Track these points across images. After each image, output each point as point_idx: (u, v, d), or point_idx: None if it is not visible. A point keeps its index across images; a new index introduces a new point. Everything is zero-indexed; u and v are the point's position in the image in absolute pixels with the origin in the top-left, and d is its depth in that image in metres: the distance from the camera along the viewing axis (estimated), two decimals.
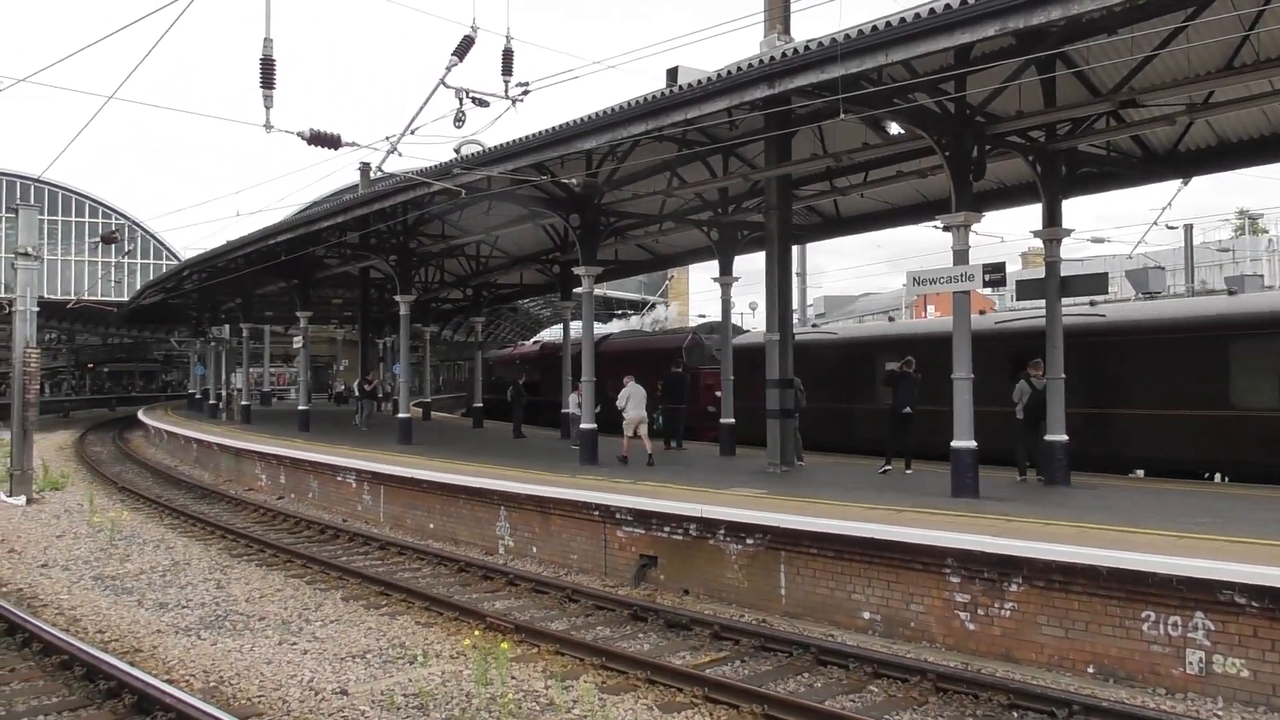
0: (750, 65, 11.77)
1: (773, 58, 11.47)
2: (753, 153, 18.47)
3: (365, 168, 17.80)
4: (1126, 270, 27.99)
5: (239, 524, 18.94)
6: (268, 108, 12.23)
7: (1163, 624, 8.49)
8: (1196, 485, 14.83)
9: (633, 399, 18.82)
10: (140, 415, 46.38)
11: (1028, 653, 9.32)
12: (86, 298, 50.88)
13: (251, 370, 43.12)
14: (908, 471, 16.45)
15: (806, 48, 10.96)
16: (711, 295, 52.78)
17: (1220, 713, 7.92)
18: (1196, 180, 18.17)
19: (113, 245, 50.92)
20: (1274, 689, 7.90)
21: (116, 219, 62.52)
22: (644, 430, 18.73)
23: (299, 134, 13.22)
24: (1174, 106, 13.38)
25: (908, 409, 16.33)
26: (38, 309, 21.97)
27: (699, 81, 12.51)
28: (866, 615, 10.61)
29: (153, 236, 64.76)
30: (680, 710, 8.28)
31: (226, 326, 42.88)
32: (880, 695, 8.71)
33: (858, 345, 24.37)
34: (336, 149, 13.40)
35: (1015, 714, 8.06)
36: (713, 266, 22.73)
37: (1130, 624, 8.67)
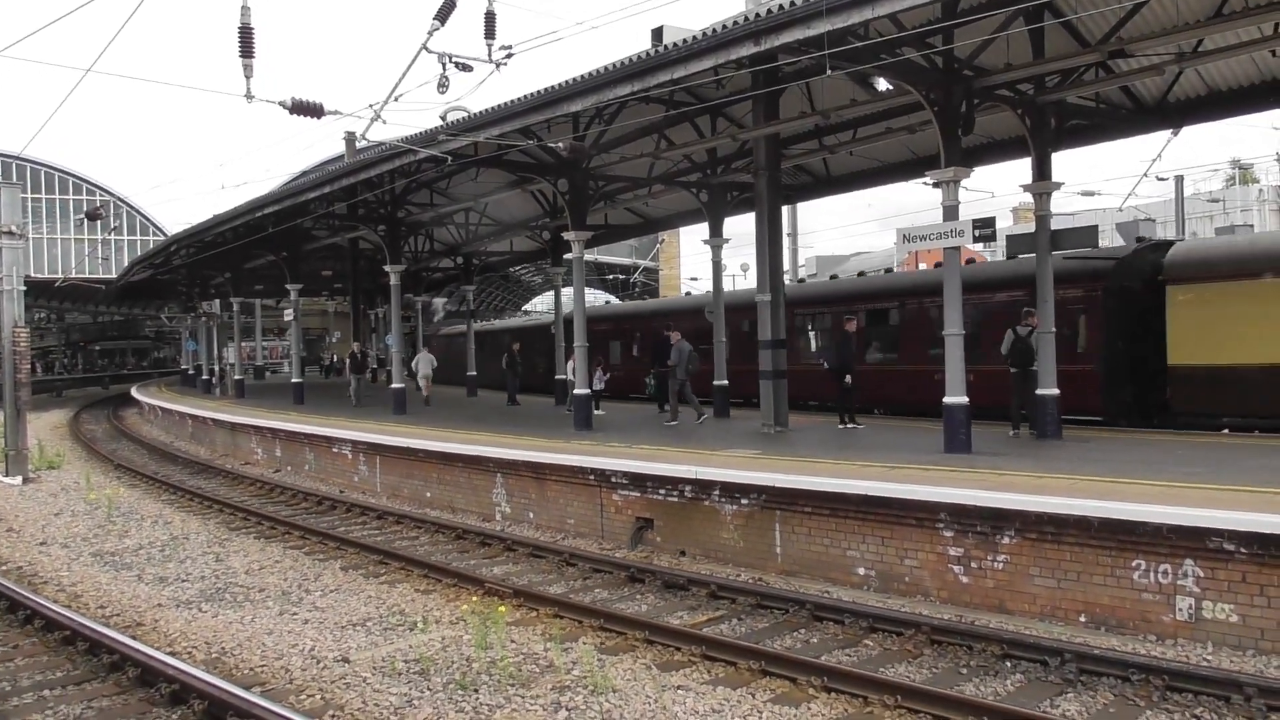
0: (736, 23, 11.65)
1: (758, 14, 11.35)
2: (741, 112, 18.35)
3: (350, 137, 17.58)
4: (1117, 223, 27.93)
5: (236, 497, 18.99)
6: (248, 77, 12.12)
7: (1153, 572, 8.58)
8: (1189, 436, 14.92)
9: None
10: (134, 392, 46.32)
11: (1020, 604, 9.43)
12: (74, 276, 50.61)
13: (244, 344, 42.99)
14: (852, 426, 17.06)
15: (792, 3, 10.84)
16: (703, 258, 52.70)
17: (1210, 657, 8.03)
18: (1186, 131, 18.04)
19: (98, 221, 50.59)
20: (1262, 633, 8.02)
21: (101, 195, 62.09)
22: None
23: (281, 103, 13.11)
24: (1163, 56, 13.32)
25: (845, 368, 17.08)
26: (25, 288, 21.82)
27: (684, 41, 12.40)
28: (861, 571, 10.70)
29: (138, 212, 64.37)
30: (679, 669, 8.37)
31: (217, 301, 42.66)
32: (876, 649, 8.82)
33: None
34: (319, 118, 13.29)
35: (1008, 664, 8.17)
36: (703, 229, 22.69)
37: (1121, 573, 8.77)
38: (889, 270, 28.98)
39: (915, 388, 19.69)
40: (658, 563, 12.23)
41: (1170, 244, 18.12)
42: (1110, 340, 17.55)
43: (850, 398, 17.36)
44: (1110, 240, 28.54)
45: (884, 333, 22.16)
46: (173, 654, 8.76)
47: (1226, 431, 15.48)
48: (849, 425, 17.03)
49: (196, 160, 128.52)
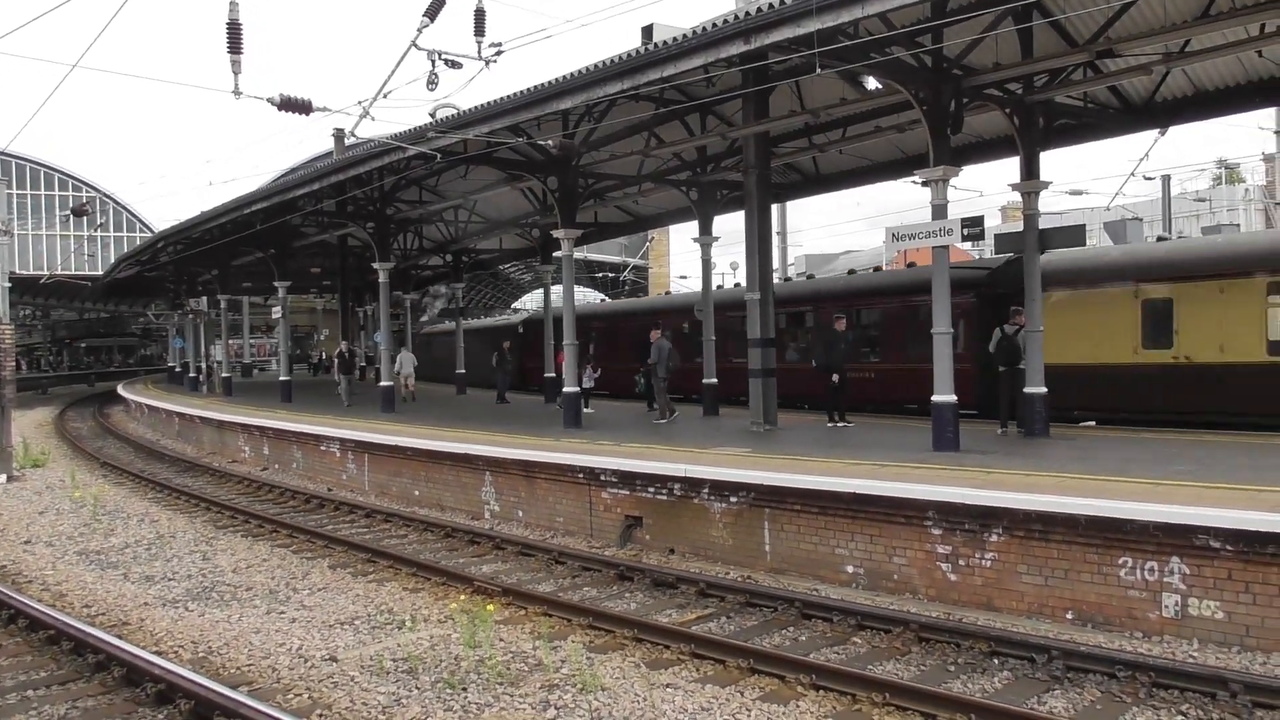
0: (726, 21, 11.66)
1: (748, 13, 11.36)
2: (730, 111, 18.36)
3: (339, 134, 17.56)
4: (1104, 222, 28.06)
5: (224, 496, 18.90)
6: (236, 74, 12.08)
7: (1140, 569, 8.62)
8: (1178, 434, 15.00)
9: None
10: (120, 390, 46.04)
11: (1008, 601, 9.46)
12: (60, 272, 50.31)
13: (231, 342, 42.82)
14: (843, 425, 17.11)
15: (782, 2, 10.85)
16: (692, 256, 52.70)
17: (1195, 654, 8.07)
18: (1174, 130, 18.21)
19: (84, 218, 50.27)
20: (1247, 630, 8.06)
21: (87, 191, 61.65)
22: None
23: (269, 100, 13.05)
24: (1150, 56, 13.37)
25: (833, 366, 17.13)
26: (9, 285, 21.69)
27: (674, 39, 12.39)
28: (850, 569, 10.72)
29: (125, 208, 63.97)
30: (668, 667, 8.37)
31: (204, 298, 42.47)
32: (864, 646, 8.83)
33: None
34: (308, 114, 13.23)
35: (996, 661, 8.20)
36: (693, 227, 22.70)
37: (1108, 570, 8.80)
38: (852, 271, 29.49)
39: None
40: (647, 561, 12.23)
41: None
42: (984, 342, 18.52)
43: (840, 396, 17.38)
44: (1099, 239, 28.66)
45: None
46: (159, 653, 8.71)
47: (1093, 424, 16.85)
48: (838, 424, 17.05)
49: (184, 157, 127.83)
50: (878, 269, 30.49)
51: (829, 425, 17.08)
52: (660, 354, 19.20)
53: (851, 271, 29.35)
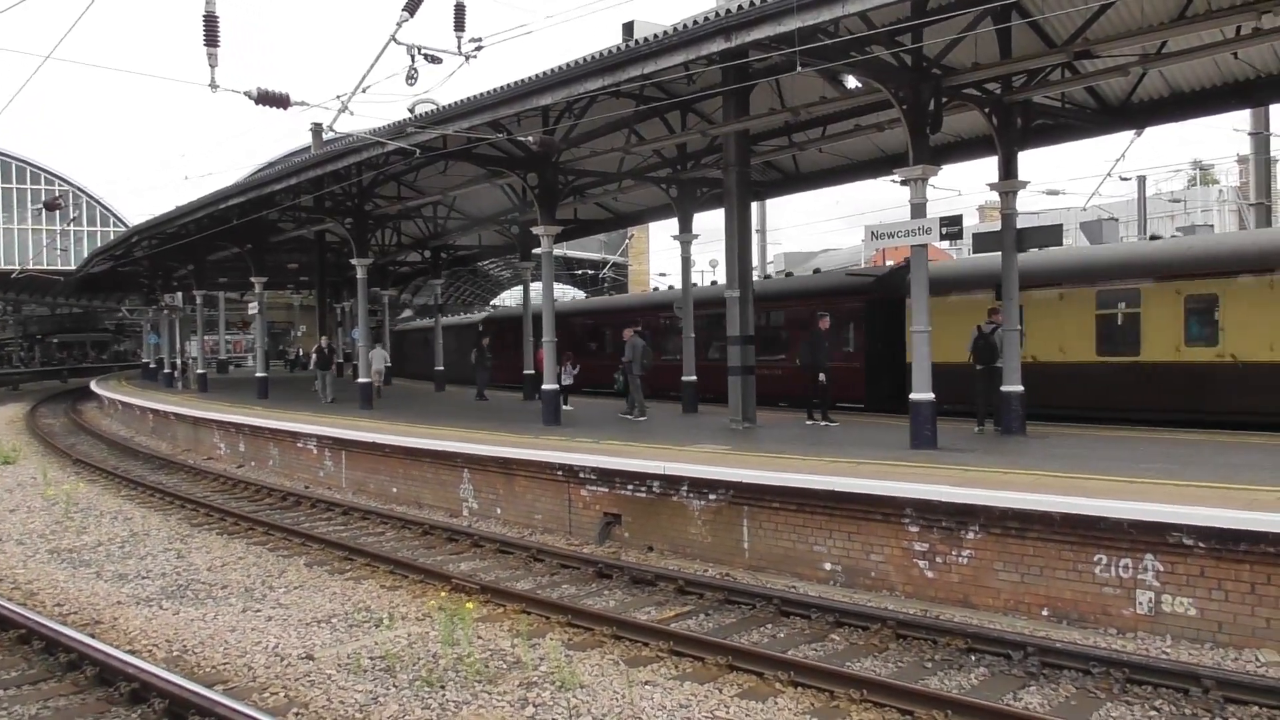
0: (707, 19, 11.66)
1: (729, 10, 11.36)
2: (711, 108, 18.35)
3: (317, 128, 17.42)
4: (1081, 222, 28.29)
5: (199, 493, 18.74)
6: (212, 66, 11.97)
7: (1114, 566, 8.70)
8: (1153, 432, 15.15)
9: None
10: (93, 386, 45.59)
11: (985, 598, 9.52)
12: (32, 267, 49.72)
13: (207, 338, 42.43)
14: (825, 424, 17.06)
15: (764, 0, 10.86)
16: (672, 253, 52.73)
17: (1169, 650, 8.15)
18: (1150, 131, 18.43)
19: (57, 212, 49.70)
20: (1220, 626, 8.15)
21: (60, 185, 61.02)
22: None
23: (246, 94, 12.94)
24: (1127, 57, 13.48)
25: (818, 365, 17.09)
26: None
27: (655, 36, 12.38)
28: (828, 566, 10.76)
29: (98, 202, 63.36)
30: (647, 664, 8.37)
31: (179, 294, 42.08)
32: (842, 643, 8.87)
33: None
34: (286, 108, 13.13)
35: (973, 658, 8.25)
36: (672, 224, 22.70)
37: (1083, 567, 8.88)
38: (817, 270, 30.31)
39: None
40: (626, 558, 12.23)
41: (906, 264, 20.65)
42: (871, 343, 21.48)
43: (824, 395, 17.35)
44: (1075, 239, 28.88)
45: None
46: (132, 652, 8.62)
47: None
48: (821, 423, 17.02)
49: (159, 151, 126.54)
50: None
51: (808, 423, 17.13)
52: (635, 351, 19.29)
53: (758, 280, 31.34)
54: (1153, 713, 7.06)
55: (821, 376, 17.02)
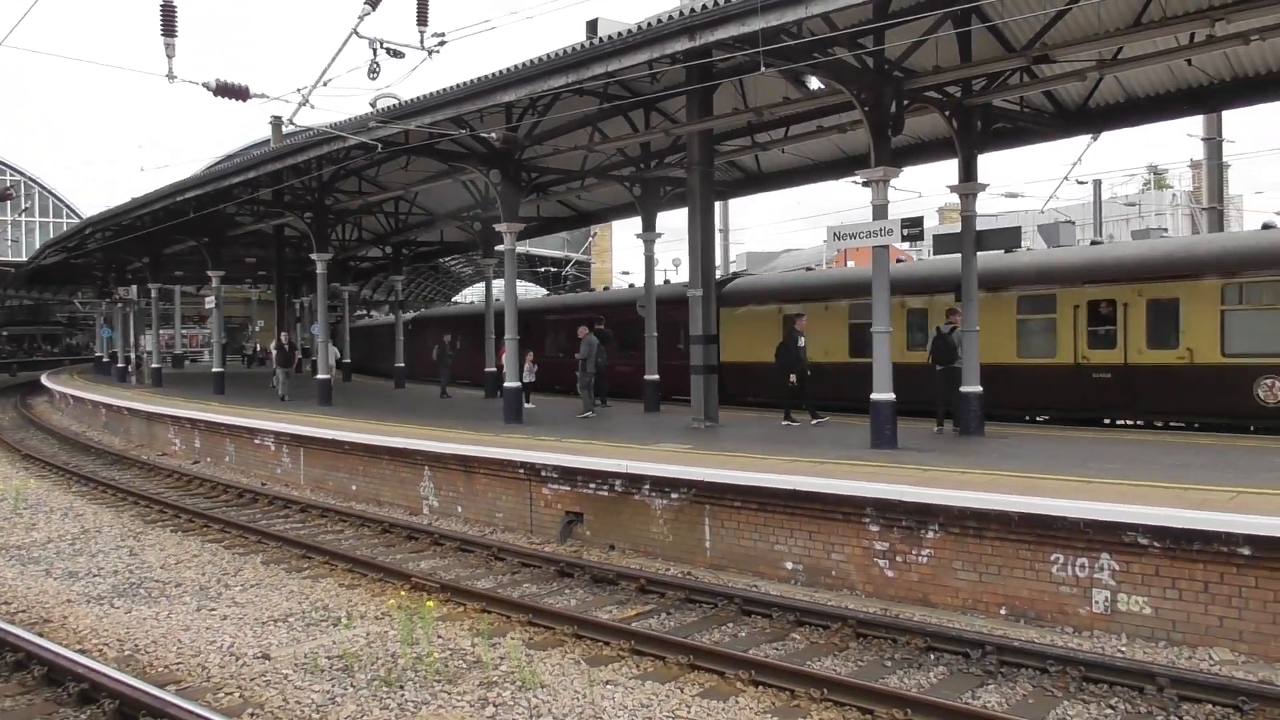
0: (671, 18, 11.64)
1: (693, 10, 11.36)
2: (674, 108, 18.35)
3: (277, 121, 17.14)
4: (1038, 224, 28.70)
5: (152, 489, 18.42)
6: (170, 56, 11.76)
7: (1070, 566, 8.81)
8: (1106, 432, 15.40)
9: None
10: (44, 380, 44.70)
11: (944, 597, 9.61)
12: None
13: (162, 332, 41.70)
14: (788, 423, 17.05)
15: (728, 0, 10.87)
16: (635, 251, 52.79)
17: (1124, 649, 8.27)
18: (1106, 136, 18.75)
19: (7, 202, 48.63)
20: (1174, 625, 8.28)
21: (11, 175, 59.72)
22: None
23: (205, 85, 12.75)
24: (1084, 63, 13.67)
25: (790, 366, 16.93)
26: None
27: (619, 34, 12.34)
28: (789, 565, 10.80)
29: (51, 193, 62.17)
30: (608, 663, 8.35)
31: (134, 287, 41.27)
32: (803, 642, 8.90)
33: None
34: (245, 100, 12.95)
35: (932, 656, 8.32)
36: (636, 223, 22.67)
37: (1040, 567, 8.98)
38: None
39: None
40: (587, 557, 12.19)
41: (734, 277, 25.88)
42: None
43: (800, 394, 17.11)
44: (1033, 241, 29.28)
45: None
46: (82, 651, 8.45)
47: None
48: (798, 422, 16.83)
49: (115, 142, 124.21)
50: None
51: (783, 424, 16.96)
52: (590, 349, 19.39)
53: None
54: (1109, 711, 7.16)
55: (793, 377, 16.76)
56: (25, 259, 48.71)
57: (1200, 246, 17.07)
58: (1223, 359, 15.35)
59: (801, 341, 16.94)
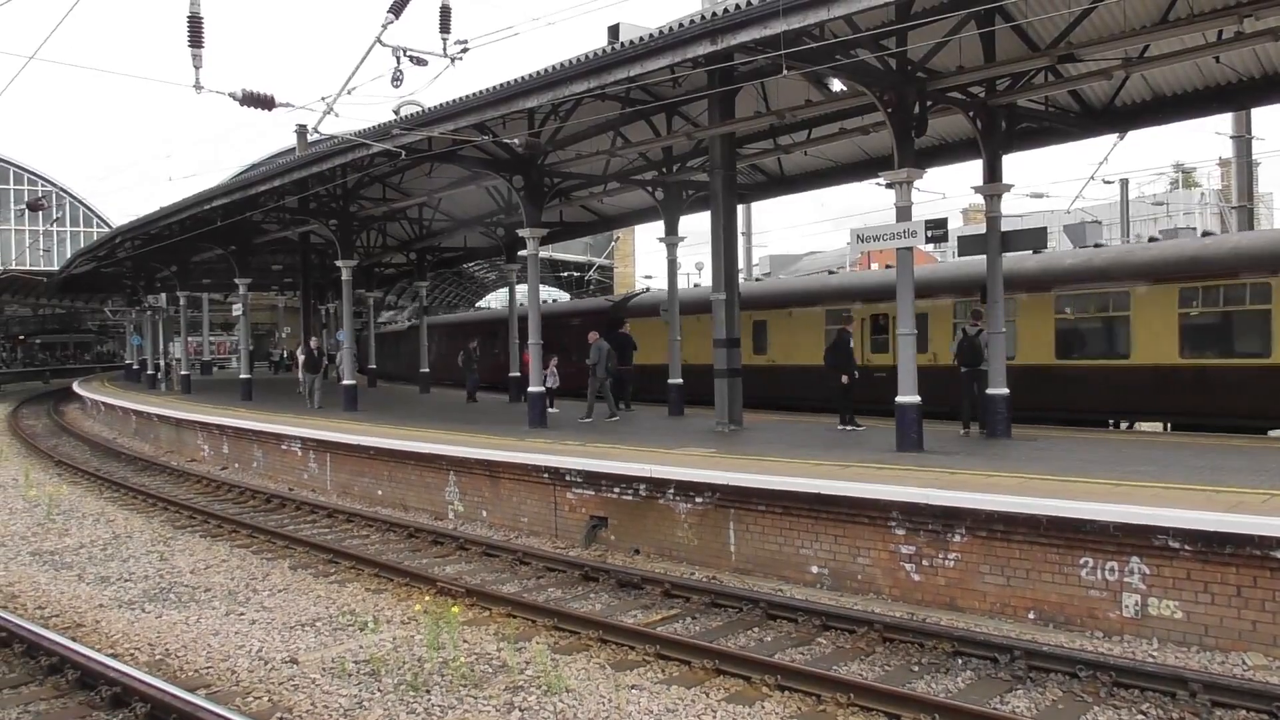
0: (692, 21, 11.65)
1: (715, 13, 11.36)
2: (696, 111, 18.36)
3: (302, 130, 17.30)
4: (1064, 225, 28.43)
5: (182, 495, 18.61)
6: (197, 67, 11.88)
7: (1100, 569, 8.72)
8: (1135, 435, 15.23)
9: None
10: (75, 387, 45.26)
11: (971, 601, 9.53)
12: (14, 268, 49.30)
13: (190, 339, 42.16)
14: (845, 428, 16.62)
15: (749, 3, 10.86)
16: (657, 255, 52.67)
17: (1155, 654, 8.17)
18: (1132, 135, 18.57)
19: (40, 212, 49.34)
20: (1206, 629, 8.18)
21: (43, 185, 60.60)
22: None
23: (231, 95, 12.86)
24: (1110, 61, 13.54)
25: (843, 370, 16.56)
26: None
27: (641, 38, 12.36)
28: (815, 569, 10.76)
29: (82, 203, 62.98)
30: (633, 668, 8.34)
31: (163, 295, 41.77)
32: (829, 647, 8.86)
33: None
34: (271, 110, 13.06)
35: (959, 661, 8.25)
36: (658, 227, 22.67)
37: (1069, 570, 8.89)
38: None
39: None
40: (612, 561, 12.19)
41: (634, 295, 30.65)
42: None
43: (848, 397, 16.70)
44: (1059, 242, 29.03)
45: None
46: (114, 656, 8.55)
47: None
48: (848, 428, 16.51)
49: (143, 152, 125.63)
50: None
51: (839, 429, 16.62)
52: (599, 355, 19.53)
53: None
54: (1140, 716, 7.08)
55: (844, 378, 16.39)
56: (57, 268, 49.38)
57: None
58: None
59: (852, 343, 16.83)
